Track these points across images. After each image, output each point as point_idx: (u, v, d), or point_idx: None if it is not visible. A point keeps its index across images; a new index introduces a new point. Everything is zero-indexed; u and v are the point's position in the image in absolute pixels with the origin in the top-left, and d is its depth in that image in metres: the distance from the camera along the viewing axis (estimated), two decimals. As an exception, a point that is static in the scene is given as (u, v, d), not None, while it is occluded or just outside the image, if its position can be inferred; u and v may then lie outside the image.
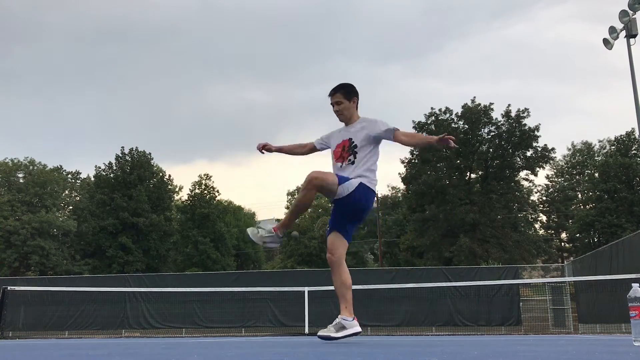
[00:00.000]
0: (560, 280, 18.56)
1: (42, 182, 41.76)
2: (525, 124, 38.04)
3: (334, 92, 4.71)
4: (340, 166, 4.60)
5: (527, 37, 76.16)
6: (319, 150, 4.97)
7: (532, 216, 42.85)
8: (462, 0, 76.37)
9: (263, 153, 5.02)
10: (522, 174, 39.99)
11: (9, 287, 14.36)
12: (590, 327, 16.07)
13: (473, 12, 77.76)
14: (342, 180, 4.34)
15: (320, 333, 4.48)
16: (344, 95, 4.68)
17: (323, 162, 5.01)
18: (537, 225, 45.25)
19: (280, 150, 5.05)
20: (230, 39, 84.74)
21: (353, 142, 4.59)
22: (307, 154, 5.06)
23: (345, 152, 4.59)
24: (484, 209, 36.99)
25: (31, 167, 43.31)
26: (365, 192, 4.44)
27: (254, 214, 64.05)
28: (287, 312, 17.60)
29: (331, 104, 4.72)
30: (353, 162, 4.54)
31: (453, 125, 39.37)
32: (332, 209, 4.64)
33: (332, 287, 4.88)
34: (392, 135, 4.50)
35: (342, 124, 4.82)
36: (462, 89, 77.16)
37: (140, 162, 43.91)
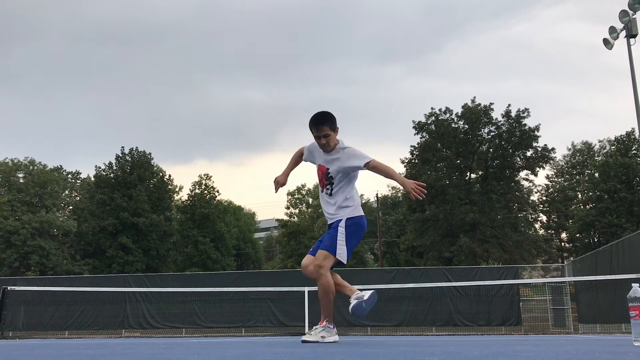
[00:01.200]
0: (560, 280, 18.55)
1: (42, 182, 41.73)
2: (525, 124, 38.05)
3: (321, 124, 4.59)
4: (322, 191, 4.77)
5: (528, 37, 76.30)
6: (304, 161, 5.01)
7: (532, 216, 42.85)
8: None
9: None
10: (522, 174, 40.02)
11: (9, 287, 14.36)
12: (590, 327, 16.07)
13: (474, 12, 77.85)
14: (333, 250, 4.53)
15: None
16: (331, 127, 4.62)
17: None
18: (537, 225, 45.25)
19: (289, 174, 5.06)
20: (231, 39, 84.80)
21: (329, 172, 4.67)
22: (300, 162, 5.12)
23: (325, 179, 4.69)
24: (484, 209, 36.99)
25: (31, 167, 43.28)
26: (355, 224, 4.61)
27: (254, 214, 64.09)
28: (287, 312, 17.60)
29: (317, 136, 4.62)
30: (331, 194, 4.68)
31: (453, 125, 39.38)
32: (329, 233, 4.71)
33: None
34: (365, 166, 4.53)
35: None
36: (462, 88, 77.31)
37: (140, 162, 43.89)
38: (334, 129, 4.65)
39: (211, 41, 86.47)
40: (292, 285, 15.55)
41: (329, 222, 4.75)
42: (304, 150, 4.97)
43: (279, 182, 4.95)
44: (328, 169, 4.67)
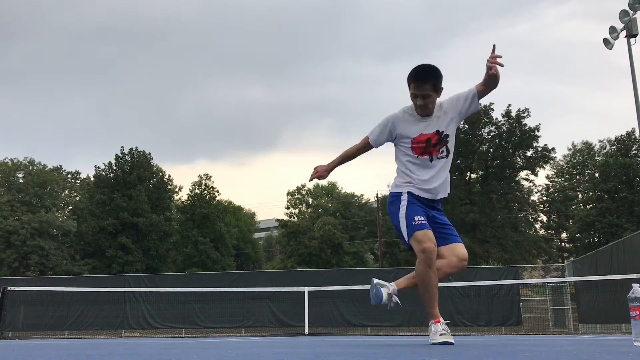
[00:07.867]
0: (561, 281, 18.56)
1: (41, 182, 41.74)
2: (525, 124, 38.09)
3: (424, 82, 3.79)
4: (431, 160, 3.93)
5: (530, 36, 76.34)
6: (374, 147, 4.14)
7: (532, 216, 42.89)
8: (465, -2, 76.59)
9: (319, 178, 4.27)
10: (522, 174, 40.06)
11: (9, 287, 14.35)
12: (591, 327, 16.06)
13: (477, 11, 77.87)
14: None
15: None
16: (434, 88, 3.82)
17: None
18: (537, 225, 45.27)
19: (333, 169, 4.25)
20: (232, 38, 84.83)
21: (443, 132, 3.92)
22: (362, 152, 4.26)
23: (432, 147, 3.91)
24: (484, 209, 37.01)
25: (31, 167, 43.29)
26: None
27: (253, 214, 64.11)
28: (287, 312, 17.59)
29: (415, 94, 3.83)
30: (446, 156, 3.98)
31: (453, 125, 39.40)
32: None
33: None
34: (476, 96, 3.91)
35: (406, 112, 3.99)
36: (463, 88, 77.22)
37: (140, 162, 43.89)
38: (438, 90, 3.85)
39: (212, 40, 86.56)
40: (292, 285, 15.55)
41: (440, 197, 4.04)
42: (370, 142, 4.10)
43: (319, 174, 4.20)
44: (439, 130, 3.89)
